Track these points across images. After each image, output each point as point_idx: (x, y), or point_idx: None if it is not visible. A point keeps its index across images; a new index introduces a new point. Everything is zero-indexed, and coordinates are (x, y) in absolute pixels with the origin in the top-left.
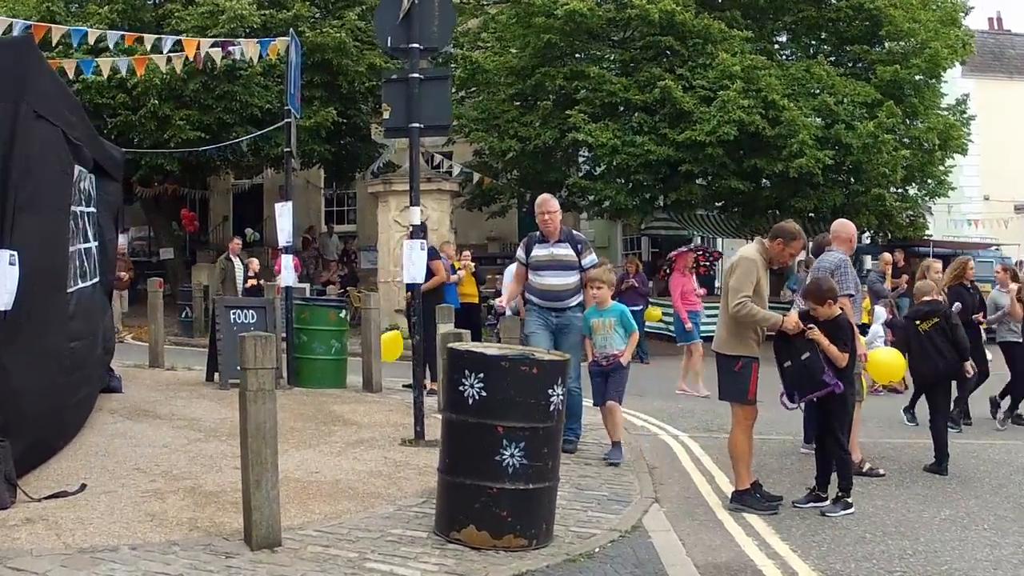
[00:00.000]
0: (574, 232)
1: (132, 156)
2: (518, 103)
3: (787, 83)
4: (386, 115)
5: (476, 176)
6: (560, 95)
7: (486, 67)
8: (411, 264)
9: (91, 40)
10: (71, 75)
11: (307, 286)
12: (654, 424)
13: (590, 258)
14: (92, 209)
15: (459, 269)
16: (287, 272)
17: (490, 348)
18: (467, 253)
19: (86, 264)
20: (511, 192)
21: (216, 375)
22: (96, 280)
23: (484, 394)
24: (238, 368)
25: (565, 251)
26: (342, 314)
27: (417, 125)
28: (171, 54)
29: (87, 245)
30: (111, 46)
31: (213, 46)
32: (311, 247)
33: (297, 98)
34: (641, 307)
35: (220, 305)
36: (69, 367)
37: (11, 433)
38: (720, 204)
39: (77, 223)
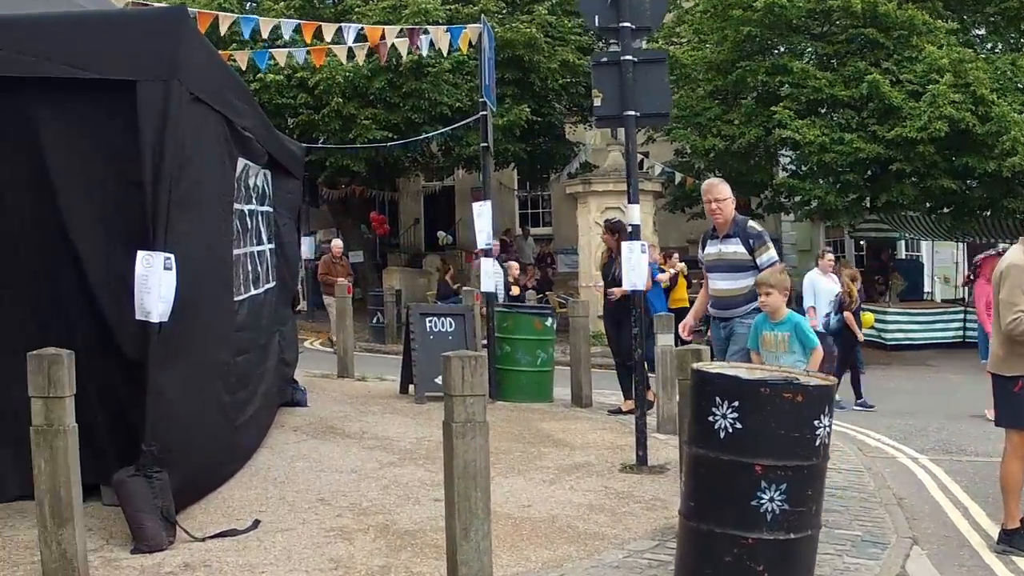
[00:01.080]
0: (749, 223)
1: (316, 157)
2: (718, 100)
3: (994, 77)
4: (597, 102)
5: (678, 176)
6: (762, 91)
7: (684, 62)
8: (631, 268)
9: (264, 31)
10: (243, 68)
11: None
12: (888, 445)
13: (767, 256)
14: (267, 208)
15: (667, 270)
16: (487, 277)
17: (740, 369)
18: (676, 255)
19: (259, 268)
20: None
21: (411, 387)
22: (271, 285)
23: (739, 426)
24: (435, 381)
25: (734, 248)
26: (548, 322)
27: (632, 113)
28: (353, 45)
29: (260, 248)
30: (285, 36)
31: (399, 36)
32: (510, 250)
33: (492, 90)
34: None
35: (415, 312)
36: (235, 384)
37: (169, 463)
38: (928, 205)
39: (246, 223)
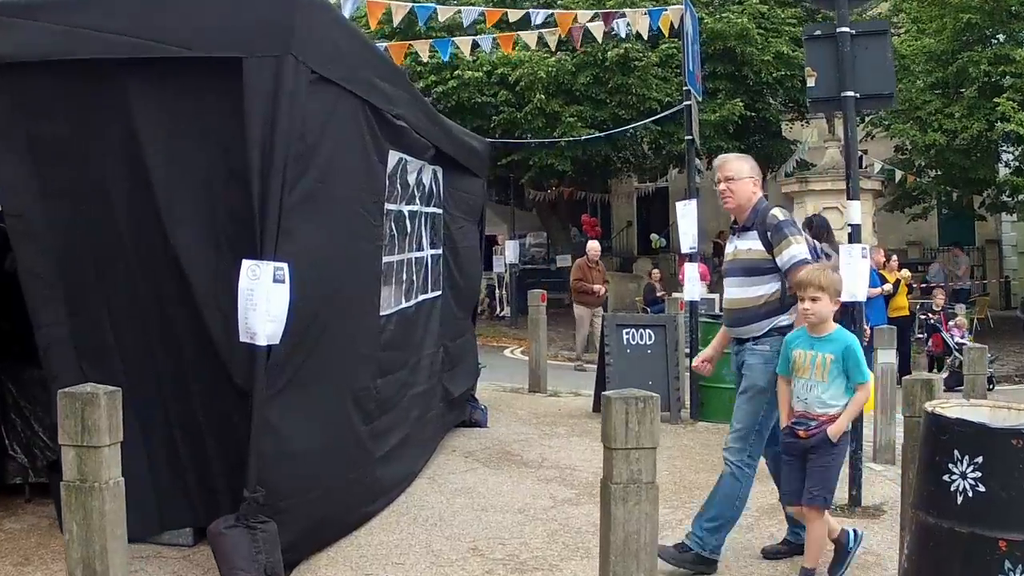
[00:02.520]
0: (771, 211)
1: (520, 156)
2: (939, 92)
3: None
4: (810, 82)
5: (898, 174)
6: (984, 82)
7: (902, 52)
8: (850, 276)
9: (441, 18)
10: (425, 57)
11: (716, 296)
12: None
13: (788, 254)
14: (435, 210)
15: (895, 280)
16: (691, 283)
17: (983, 410)
18: (895, 258)
19: (415, 278)
20: (936, 191)
21: None
22: (434, 295)
23: (981, 489)
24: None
25: (749, 244)
26: None
27: (851, 94)
28: (542, 30)
29: (420, 254)
30: (465, 24)
31: (592, 19)
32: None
33: (697, 77)
34: None
35: (610, 323)
36: (375, 410)
37: (282, 511)
38: None
39: (404, 226)
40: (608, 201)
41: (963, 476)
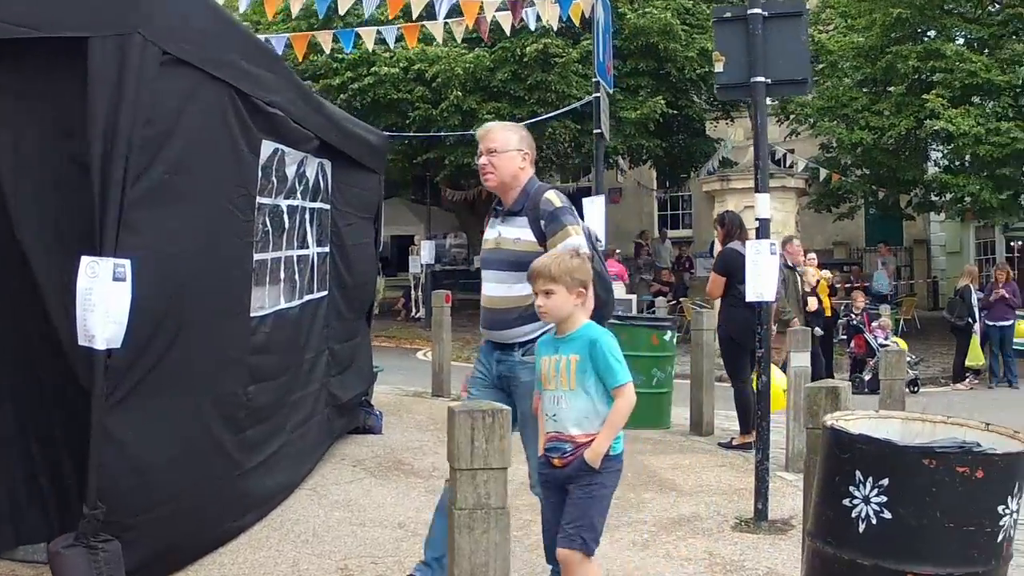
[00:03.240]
0: (545, 195)
1: (436, 154)
2: (867, 89)
3: None
4: (718, 67)
5: (823, 172)
6: (914, 79)
7: (829, 48)
8: (756, 275)
9: (341, 9)
10: (327, 48)
11: (633, 297)
12: None
13: (561, 247)
14: (322, 205)
15: (815, 279)
16: None
17: (892, 422)
18: (812, 256)
19: (298, 277)
20: (863, 191)
21: None
22: (318, 296)
23: (887, 515)
24: None
25: (517, 232)
26: (667, 336)
27: (762, 79)
28: (447, 20)
29: (304, 252)
30: (366, 14)
31: (500, 9)
32: (643, 254)
33: (608, 69)
34: (1011, 321)
35: None
36: (246, 419)
37: (131, 528)
38: None
39: (282, 222)
40: None
41: (866, 501)
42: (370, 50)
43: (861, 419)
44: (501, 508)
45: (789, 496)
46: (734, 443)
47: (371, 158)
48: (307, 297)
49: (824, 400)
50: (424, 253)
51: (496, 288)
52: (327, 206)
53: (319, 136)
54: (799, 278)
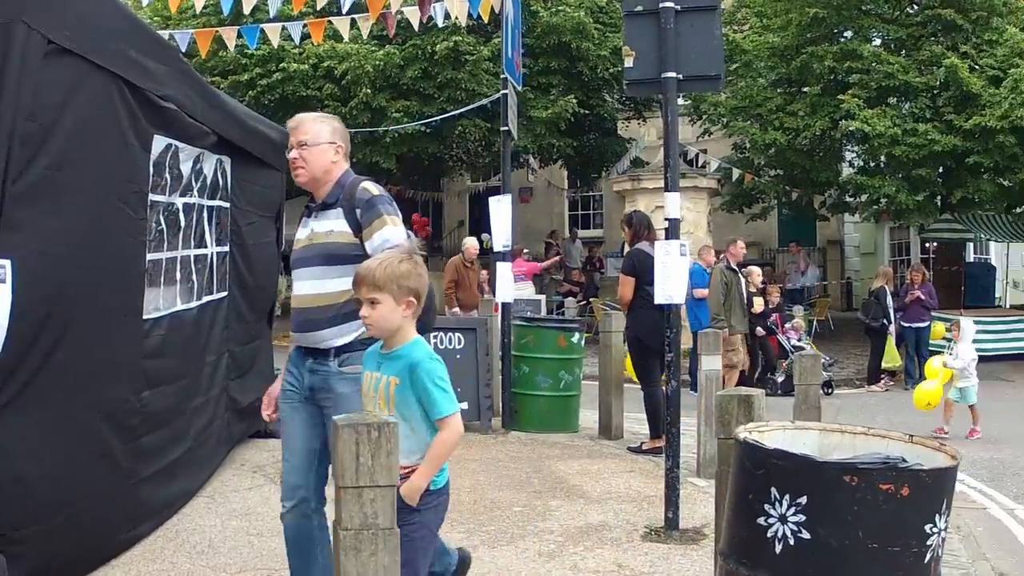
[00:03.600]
0: (362, 185)
1: None
2: (781, 89)
3: None
4: (628, 62)
5: (736, 172)
6: (829, 79)
7: (745, 47)
8: (665, 276)
9: (246, 6)
10: (231, 46)
11: (543, 298)
12: (975, 488)
13: (381, 236)
14: (221, 203)
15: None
16: (504, 284)
17: (810, 433)
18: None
19: (196, 277)
20: (776, 191)
21: None
22: (218, 297)
23: (806, 536)
24: None
25: (330, 225)
26: (575, 338)
27: (673, 75)
28: (354, 16)
29: (202, 251)
30: (273, 11)
31: (407, 4)
32: (553, 254)
33: (516, 65)
34: (926, 323)
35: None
36: (140, 426)
37: (17, 542)
38: (1005, 204)
39: (176, 220)
40: (440, 200)
41: (783, 520)
42: (276, 46)
43: (776, 430)
44: (389, 529)
45: (701, 503)
46: (644, 447)
47: (273, 155)
48: (206, 298)
49: (736, 409)
50: None
51: (307, 286)
52: (226, 204)
53: (217, 132)
54: (743, 280)
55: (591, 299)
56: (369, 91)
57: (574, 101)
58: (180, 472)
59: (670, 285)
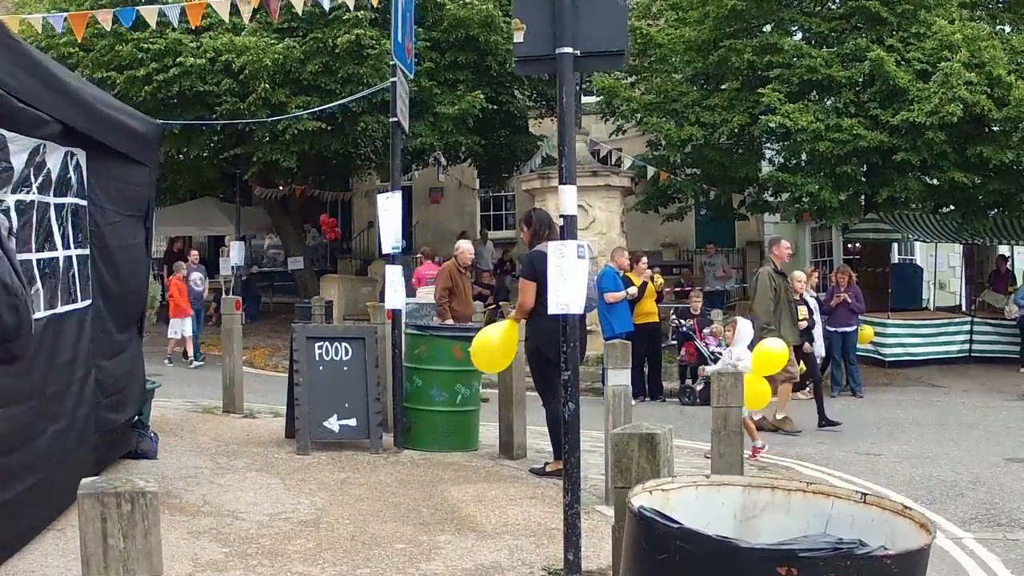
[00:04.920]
0: None
1: (244, 151)
2: (699, 84)
3: (1011, 57)
4: (518, 36)
5: (651, 171)
6: (749, 73)
7: (659, 41)
8: (561, 281)
9: None
10: (107, 26)
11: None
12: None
13: None
14: (75, 201)
15: (641, 283)
16: (394, 289)
17: (730, 491)
18: (645, 260)
19: (41, 284)
20: (692, 190)
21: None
22: (86, 304)
23: None
24: (324, 425)
25: None
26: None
27: (570, 51)
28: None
29: (50, 255)
30: None
31: None
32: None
33: (408, 51)
34: (853, 327)
35: (301, 334)
36: None
37: None
38: (933, 203)
39: (9, 219)
40: (350, 201)
41: None
42: (153, 28)
43: (685, 488)
44: None
45: (608, 538)
46: (547, 469)
47: (139, 148)
48: (64, 308)
49: (637, 451)
50: (233, 254)
51: None
52: (83, 202)
53: (61, 120)
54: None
55: (501, 303)
56: (268, 86)
57: (482, 97)
58: (32, 503)
59: (566, 292)
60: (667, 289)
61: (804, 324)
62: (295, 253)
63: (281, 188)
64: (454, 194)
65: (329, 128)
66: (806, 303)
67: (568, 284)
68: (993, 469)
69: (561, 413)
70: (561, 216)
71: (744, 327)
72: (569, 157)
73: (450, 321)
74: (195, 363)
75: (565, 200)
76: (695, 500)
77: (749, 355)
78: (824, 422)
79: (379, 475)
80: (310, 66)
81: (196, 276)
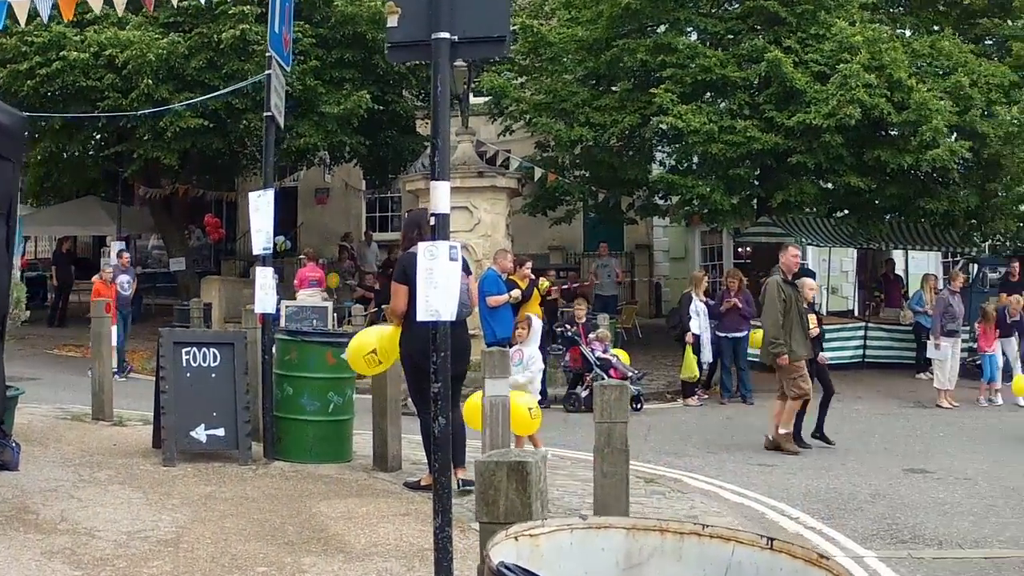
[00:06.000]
0: None
1: (125, 148)
2: (591, 84)
3: (912, 60)
4: (392, 21)
5: (539, 172)
6: (641, 74)
7: (550, 40)
8: (431, 286)
9: None
10: None
11: (329, 305)
12: (812, 529)
13: None
14: None
15: (526, 286)
16: (264, 292)
17: (612, 534)
18: (529, 263)
19: None
20: (581, 192)
21: None
22: None
23: None
24: (191, 435)
25: None
26: (344, 355)
27: (447, 36)
28: None
29: None
30: None
31: None
32: (346, 257)
33: (285, 41)
34: (744, 332)
35: (167, 339)
36: None
37: None
38: (828, 207)
39: None
40: (235, 201)
41: None
42: (22, 25)
43: (559, 532)
44: None
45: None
46: (422, 483)
47: (4, 141)
48: None
49: (505, 482)
50: (113, 255)
51: None
52: None
53: None
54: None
55: (383, 306)
56: (151, 82)
57: (368, 96)
58: None
59: (436, 297)
60: (554, 293)
61: (815, 333)
62: (177, 254)
63: (164, 188)
64: (340, 195)
65: (211, 126)
66: (815, 311)
67: (439, 288)
68: (892, 480)
69: (432, 427)
70: (432, 215)
71: (537, 325)
72: (443, 150)
73: None
74: (118, 376)
75: (438, 197)
76: (571, 547)
77: (539, 355)
78: (819, 434)
79: (246, 489)
80: (194, 62)
81: (124, 279)
